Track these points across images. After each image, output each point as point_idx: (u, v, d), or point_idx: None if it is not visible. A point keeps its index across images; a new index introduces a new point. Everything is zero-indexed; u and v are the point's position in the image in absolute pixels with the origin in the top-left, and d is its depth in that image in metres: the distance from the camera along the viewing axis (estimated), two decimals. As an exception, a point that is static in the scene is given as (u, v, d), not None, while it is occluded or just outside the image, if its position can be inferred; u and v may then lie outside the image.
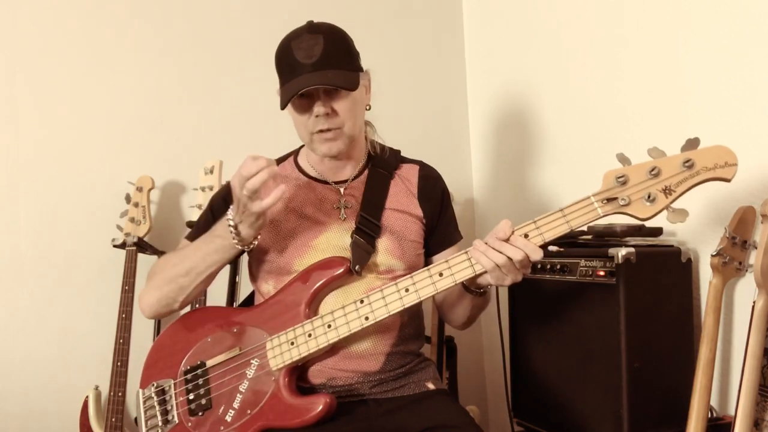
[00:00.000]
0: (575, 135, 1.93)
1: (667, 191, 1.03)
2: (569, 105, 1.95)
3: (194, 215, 1.83)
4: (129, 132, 1.91)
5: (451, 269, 1.14)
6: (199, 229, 1.36)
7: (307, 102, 1.24)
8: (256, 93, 2.07)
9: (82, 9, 1.86)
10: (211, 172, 1.83)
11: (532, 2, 2.11)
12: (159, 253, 1.86)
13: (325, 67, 1.21)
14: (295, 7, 2.13)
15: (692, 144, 1.03)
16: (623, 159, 1.07)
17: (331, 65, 1.22)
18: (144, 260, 1.83)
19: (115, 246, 1.81)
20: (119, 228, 1.82)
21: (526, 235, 1.09)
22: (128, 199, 1.82)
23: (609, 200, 1.05)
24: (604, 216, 1.07)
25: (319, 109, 1.23)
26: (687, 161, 1.02)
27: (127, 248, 1.78)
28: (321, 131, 1.25)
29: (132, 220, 1.80)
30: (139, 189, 1.81)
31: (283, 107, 1.25)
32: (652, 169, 1.03)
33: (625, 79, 1.75)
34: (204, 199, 1.82)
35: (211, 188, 1.82)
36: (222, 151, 1.91)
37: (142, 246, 1.80)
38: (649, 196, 1.03)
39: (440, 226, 1.39)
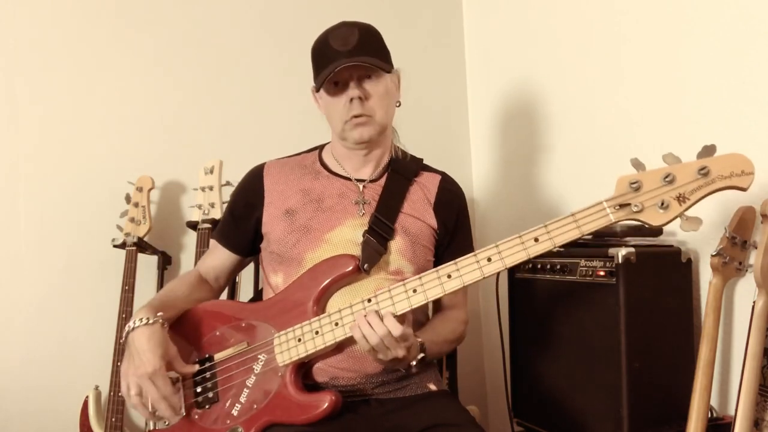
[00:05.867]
0: (575, 134, 1.93)
1: (681, 199, 1.00)
2: (569, 104, 1.95)
3: (194, 215, 1.83)
4: (129, 132, 1.90)
5: (459, 271, 1.13)
6: (222, 232, 1.41)
7: (341, 90, 1.29)
8: (256, 93, 2.07)
9: (83, 10, 1.86)
10: (211, 172, 1.83)
11: (532, 2, 2.11)
12: (159, 253, 1.87)
13: (361, 54, 1.25)
14: (296, 8, 2.13)
15: (708, 151, 1.00)
16: (637, 164, 1.04)
17: (366, 53, 1.26)
18: (144, 260, 1.83)
19: (115, 246, 1.81)
20: (119, 228, 1.82)
21: (536, 239, 1.08)
22: (128, 199, 1.82)
23: (622, 206, 1.03)
24: (616, 222, 1.05)
25: (353, 91, 1.27)
26: (702, 169, 0.99)
27: (127, 248, 1.78)
28: (354, 117, 1.28)
29: (132, 220, 1.80)
30: (139, 189, 1.81)
31: (318, 89, 1.31)
32: (667, 176, 1.01)
33: (626, 78, 1.75)
34: (204, 199, 1.82)
35: (210, 188, 1.82)
36: (222, 151, 1.91)
37: (142, 246, 1.80)
38: (662, 204, 1.01)
39: (456, 242, 1.40)
